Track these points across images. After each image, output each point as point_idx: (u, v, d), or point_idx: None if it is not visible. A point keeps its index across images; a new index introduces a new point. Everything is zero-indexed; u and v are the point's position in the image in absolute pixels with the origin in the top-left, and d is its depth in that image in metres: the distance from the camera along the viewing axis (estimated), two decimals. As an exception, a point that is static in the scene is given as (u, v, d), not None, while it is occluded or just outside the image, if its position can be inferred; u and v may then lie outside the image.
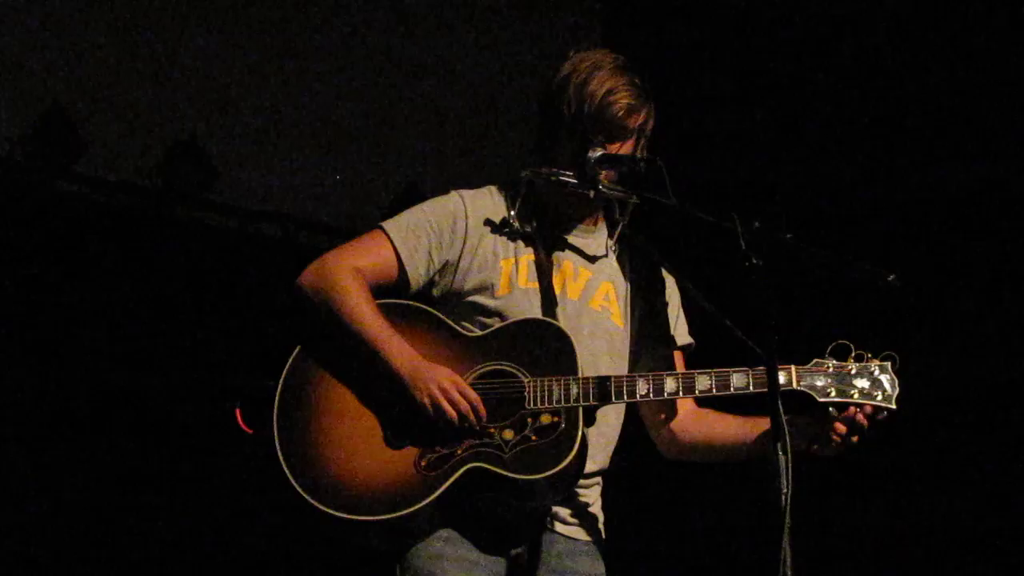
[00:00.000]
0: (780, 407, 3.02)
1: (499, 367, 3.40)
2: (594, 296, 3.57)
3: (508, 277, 3.51)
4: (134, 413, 5.73)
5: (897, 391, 3.40)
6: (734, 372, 3.38)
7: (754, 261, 3.12)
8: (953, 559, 5.89)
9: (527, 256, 3.53)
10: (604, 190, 3.45)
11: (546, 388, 3.35)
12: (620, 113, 3.44)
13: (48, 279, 5.64)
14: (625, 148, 3.48)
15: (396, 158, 6.58)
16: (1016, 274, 5.88)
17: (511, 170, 3.62)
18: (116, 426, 5.70)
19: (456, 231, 3.52)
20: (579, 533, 3.52)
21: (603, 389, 3.37)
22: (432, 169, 6.57)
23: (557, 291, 3.50)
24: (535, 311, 3.48)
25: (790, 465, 2.96)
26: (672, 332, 3.66)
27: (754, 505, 3.25)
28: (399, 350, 3.34)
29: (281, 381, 3.39)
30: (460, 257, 3.52)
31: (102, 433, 5.66)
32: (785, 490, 2.94)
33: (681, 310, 3.70)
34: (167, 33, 6.10)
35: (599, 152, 3.42)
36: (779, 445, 2.97)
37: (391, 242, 3.49)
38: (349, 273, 3.42)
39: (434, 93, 6.71)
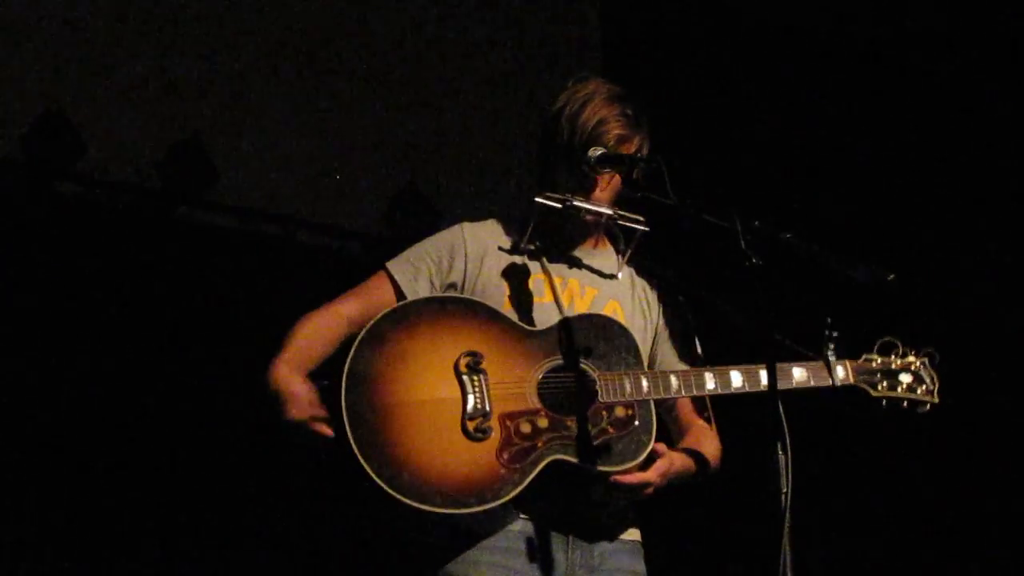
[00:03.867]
0: (780, 407, 3.03)
1: (569, 361, 3.41)
2: (602, 311, 3.58)
3: None
4: (133, 414, 5.73)
5: (937, 385, 3.61)
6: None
7: (754, 261, 3.13)
8: (954, 559, 5.90)
9: (533, 277, 3.57)
10: (617, 217, 3.53)
11: (618, 381, 3.40)
12: (611, 144, 3.50)
13: (48, 280, 5.63)
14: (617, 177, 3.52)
15: (396, 158, 6.58)
16: (1016, 274, 5.89)
17: (510, 170, 3.64)
18: (115, 427, 5.69)
19: (455, 260, 3.55)
20: (621, 532, 3.53)
21: (670, 383, 3.44)
22: (432, 169, 6.56)
23: (565, 306, 3.53)
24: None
25: (790, 465, 2.96)
26: (677, 357, 3.66)
27: (754, 505, 3.25)
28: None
29: (344, 378, 3.31)
30: (463, 281, 3.55)
31: (102, 435, 5.66)
32: (785, 490, 2.94)
33: (690, 335, 3.70)
34: (167, 33, 6.10)
35: (599, 152, 3.47)
36: (779, 445, 2.98)
37: (390, 277, 3.54)
38: (319, 314, 3.47)
39: (434, 93, 6.71)
